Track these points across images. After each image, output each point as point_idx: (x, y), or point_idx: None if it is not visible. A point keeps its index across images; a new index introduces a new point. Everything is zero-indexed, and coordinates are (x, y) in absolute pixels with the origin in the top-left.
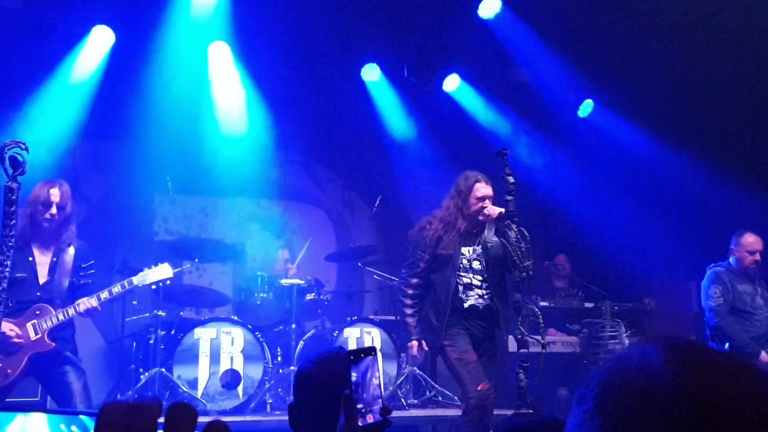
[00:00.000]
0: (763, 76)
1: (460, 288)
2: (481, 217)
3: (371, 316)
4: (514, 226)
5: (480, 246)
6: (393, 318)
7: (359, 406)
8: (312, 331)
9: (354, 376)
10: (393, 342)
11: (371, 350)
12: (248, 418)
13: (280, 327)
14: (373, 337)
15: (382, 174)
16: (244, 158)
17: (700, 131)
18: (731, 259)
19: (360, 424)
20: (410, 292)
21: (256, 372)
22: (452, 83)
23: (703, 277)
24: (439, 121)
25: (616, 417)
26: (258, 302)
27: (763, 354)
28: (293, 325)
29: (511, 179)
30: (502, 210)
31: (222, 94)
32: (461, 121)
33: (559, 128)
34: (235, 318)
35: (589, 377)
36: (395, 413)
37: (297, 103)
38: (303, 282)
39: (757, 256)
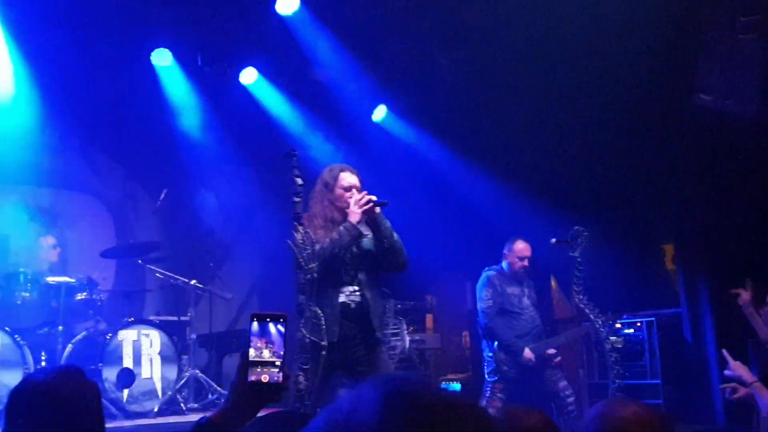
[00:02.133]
0: (538, 92)
1: (335, 284)
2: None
3: (151, 317)
4: (300, 228)
5: None
6: (175, 319)
7: (256, 366)
8: (83, 333)
9: (253, 337)
10: (173, 344)
11: (279, 316)
12: None
13: (45, 329)
14: (152, 339)
15: (169, 166)
16: (11, 141)
17: (482, 142)
18: (504, 263)
19: (253, 379)
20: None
21: (13, 379)
22: (249, 76)
23: (478, 278)
24: (234, 114)
25: None
26: (19, 302)
27: (527, 350)
28: (60, 327)
29: (299, 181)
30: (373, 197)
31: None
32: (257, 117)
33: (354, 131)
34: None
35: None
36: (174, 419)
37: (76, 84)
38: (73, 280)
39: (526, 262)
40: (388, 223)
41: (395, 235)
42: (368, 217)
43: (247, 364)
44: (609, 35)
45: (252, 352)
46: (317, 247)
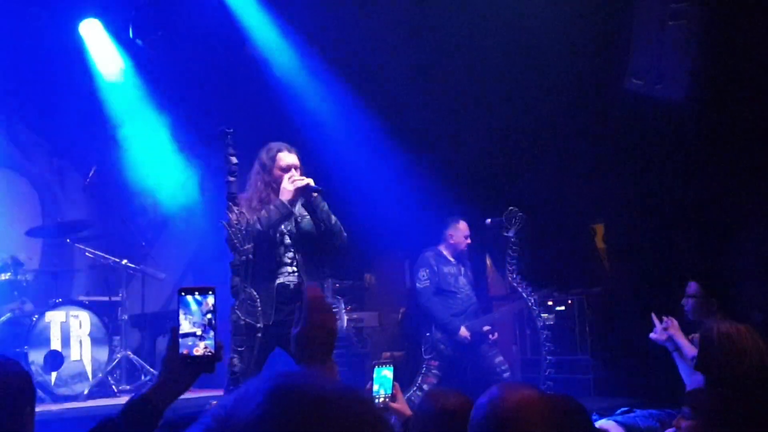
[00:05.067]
0: (471, 73)
1: (275, 266)
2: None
3: (81, 298)
4: (235, 209)
5: (291, 221)
6: (106, 299)
7: (187, 339)
8: (7, 315)
9: (182, 311)
10: (104, 326)
11: (207, 289)
12: None
13: None
14: (81, 321)
15: (99, 142)
16: None
17: (420, 123)
18: (444, 244)
19: (184, 352)
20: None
21: None
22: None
23: (416, 256)
24: (168, 89)
25: None
26: None
27: (462, 329)
28: None
29: (233, 160)
30: (310, 180)
31: None
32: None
33: (293, 110)
34: None
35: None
36: (105, 401)
37: None
38: None
39: (469, 240)
40: (325, 206)
41: (333, 218)
42: (305, 200)
43: (177, 339)
44: (542, 18)
45: (182, 325)
46: (249, 227)
